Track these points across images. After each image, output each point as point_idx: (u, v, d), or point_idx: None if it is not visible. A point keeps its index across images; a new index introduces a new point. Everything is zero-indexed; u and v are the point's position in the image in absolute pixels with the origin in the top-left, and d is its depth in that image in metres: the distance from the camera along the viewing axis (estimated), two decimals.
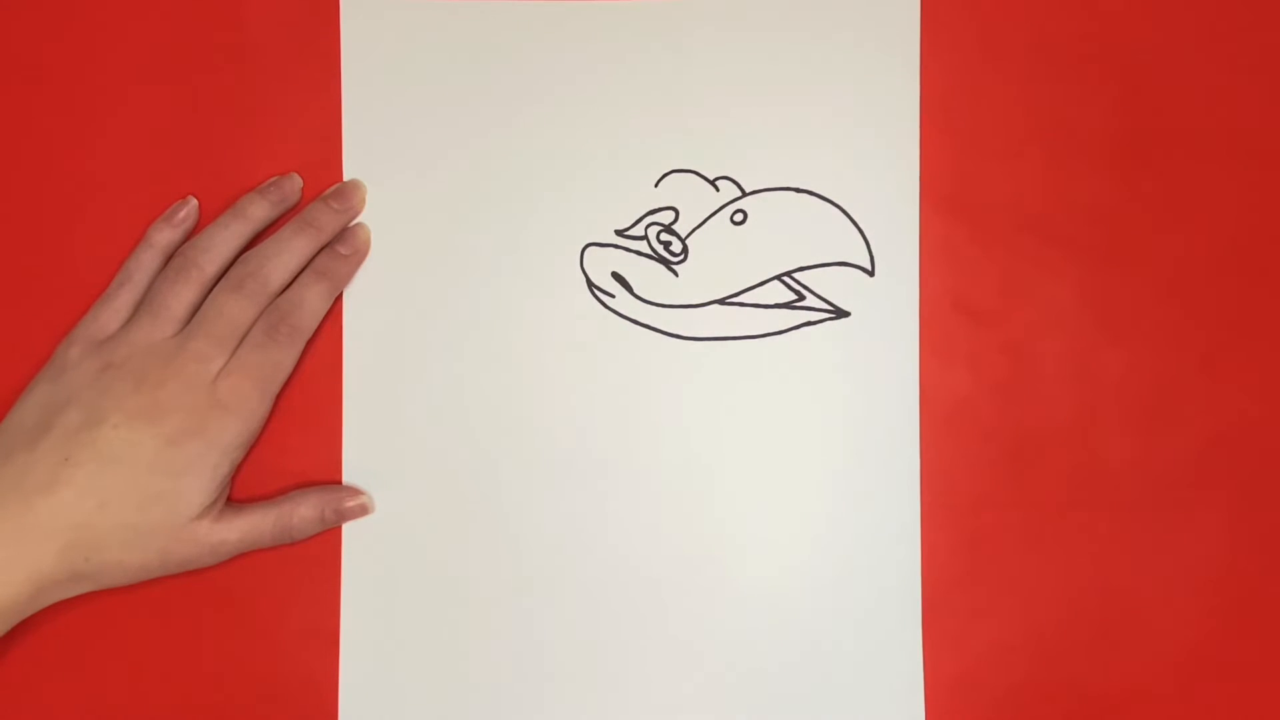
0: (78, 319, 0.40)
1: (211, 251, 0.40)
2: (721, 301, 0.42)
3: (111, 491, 0.37)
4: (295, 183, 0.42)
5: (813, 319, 0.41)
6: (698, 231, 0.42)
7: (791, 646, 0.41)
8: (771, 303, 0.41)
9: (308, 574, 0.41)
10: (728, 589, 0.41)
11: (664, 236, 0.42)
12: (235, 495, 0.41)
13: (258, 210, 0.41)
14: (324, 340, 0.41)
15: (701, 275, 0.42)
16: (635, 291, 0.42)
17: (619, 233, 0.42)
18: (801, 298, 0.41)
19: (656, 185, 0.42)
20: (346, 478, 0.41)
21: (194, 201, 0.41)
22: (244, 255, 0.40)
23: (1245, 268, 0.42)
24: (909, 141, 0.41)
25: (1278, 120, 0.42)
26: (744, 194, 0.42)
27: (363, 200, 0.42)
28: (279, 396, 0.40)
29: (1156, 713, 0.41)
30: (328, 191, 0.41)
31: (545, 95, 0.42)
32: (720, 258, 0.42)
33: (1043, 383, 0.41)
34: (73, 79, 0.42)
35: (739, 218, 0.42)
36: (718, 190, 0.42)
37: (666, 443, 0.41)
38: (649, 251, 0.42)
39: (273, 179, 0.41)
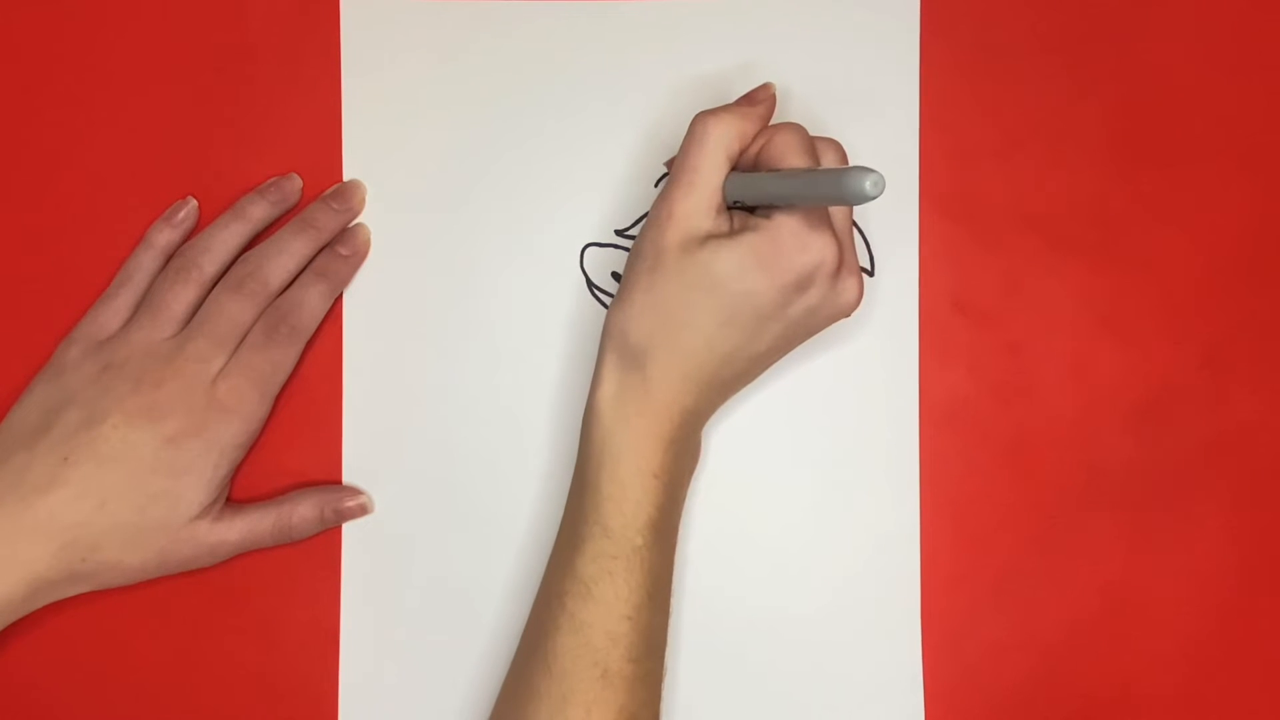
0: (78, 319, 0.40)
1: (211, 252, 0.40)
2: None
3: (110, 491, 0.37)
4: (295, 183, 0.41)
5: None
6: None
7: (791, 646, 0.41)
8: None
9: (308, 574, 0.41)
10: (727, 589, 0.41)
11: None
12: (235, 495, 0.41)
13: (258, 210, 0.41)
14: (324, 340, 0.41)
15: None
16: None
17: (619, 233, 0.42)
18: None
19: (656, 185, 0.42)
20: (346, 478, 0.41)
21: (194, 201, 0.41)
22: (244, 255, 0.40)
23: (1245, 268, 0.42)
24: (908, 141, 0.41)
25: (1278, 120, 0.42)
26: None
27: (363, 200, 0.42)
28: (279, 396, 0.40)
29: (1157, 713, 0.41)
30: (328, 191, 0.41)
31: (545, 95, 0.42)
32: None
33: (1043, 383, 0.41)
34: (73, 79, 0.42)
35: None
36: None
37: None
38: None
39: (273, 179, 0.41)
